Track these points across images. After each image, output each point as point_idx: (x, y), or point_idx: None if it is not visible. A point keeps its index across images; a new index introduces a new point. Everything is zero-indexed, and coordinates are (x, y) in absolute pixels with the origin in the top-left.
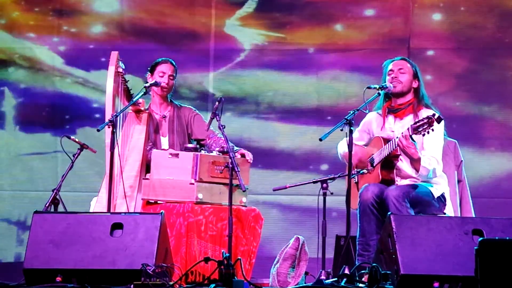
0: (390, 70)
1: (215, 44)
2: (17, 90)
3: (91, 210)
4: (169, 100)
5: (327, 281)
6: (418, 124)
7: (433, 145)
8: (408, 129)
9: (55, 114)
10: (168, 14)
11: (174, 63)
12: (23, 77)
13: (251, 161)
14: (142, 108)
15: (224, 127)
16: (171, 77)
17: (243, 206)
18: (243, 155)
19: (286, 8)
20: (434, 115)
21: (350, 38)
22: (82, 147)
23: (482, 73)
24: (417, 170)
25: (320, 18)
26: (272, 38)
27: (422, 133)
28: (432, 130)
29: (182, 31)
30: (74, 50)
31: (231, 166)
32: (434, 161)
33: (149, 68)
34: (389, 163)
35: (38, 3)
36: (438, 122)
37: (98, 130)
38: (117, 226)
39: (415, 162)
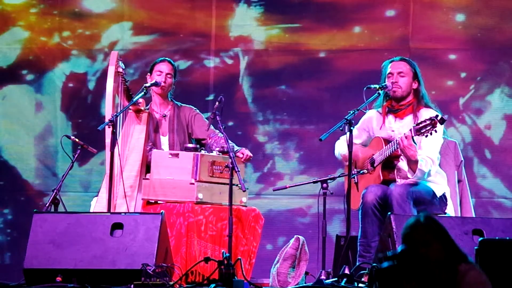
0: (390, 73)
1: (215, 44)
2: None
3: (91, 210)
4: (169, 99)
5: (327, 281)
6: (420, 125)
7: (430, 145)
8: (410, 130)
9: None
10: (169, 13)
11: (172, 62)
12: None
13: (244, 161)
14: (142, 108)
15: (225, 127)
16: (169, 75)
17: (243, 206)
18: (243, 154)
19: (289, 10)
20: (437, 116)
21: (353, 40)
22: (82, 147)
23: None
24: (413, 171)
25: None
26: (274, 38)
27: (425, 134)
28: (435, 131)
29: (182, 30)
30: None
31: (231, 166)
32: (429, 162)
33: (148, 69)
34: (389, 163)
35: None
36: (441, 123)
37: (98, 130)
38: (117, 226)
39: (412, 164)
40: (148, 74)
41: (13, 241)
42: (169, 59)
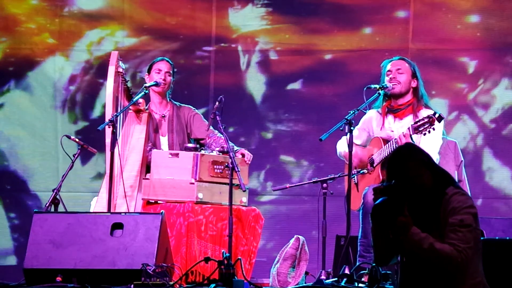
0: (388, 70)
1: (216, 43)
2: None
3: (91, 210)
4: (168, 99)
5: (327, 281)
6: (418, 123)
7: (429, 145)
8: (408, 128)
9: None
10: (169, 14)
11: (170, 61)
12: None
13: (249, 162)
14: (142, 108)
15: (225, 127)
16: (168, 74)
17: (243, 206)
18: (243, 155)
19: (290, 11)
20: (434, 114)
21: (353, 41)
22: (82, 147)
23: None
24: None
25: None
26: (275, 39)
27: (423, 132)
28: (433, 129)
29: (182, 30)
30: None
31: (231, 166)
32: None
33: (147, 69)
34: None
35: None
36: (439, 121)
37: (99, 130)
38: (117, 226)
39: None
40: (146, 74)
41: (19, 243)
42: (167, 58)
